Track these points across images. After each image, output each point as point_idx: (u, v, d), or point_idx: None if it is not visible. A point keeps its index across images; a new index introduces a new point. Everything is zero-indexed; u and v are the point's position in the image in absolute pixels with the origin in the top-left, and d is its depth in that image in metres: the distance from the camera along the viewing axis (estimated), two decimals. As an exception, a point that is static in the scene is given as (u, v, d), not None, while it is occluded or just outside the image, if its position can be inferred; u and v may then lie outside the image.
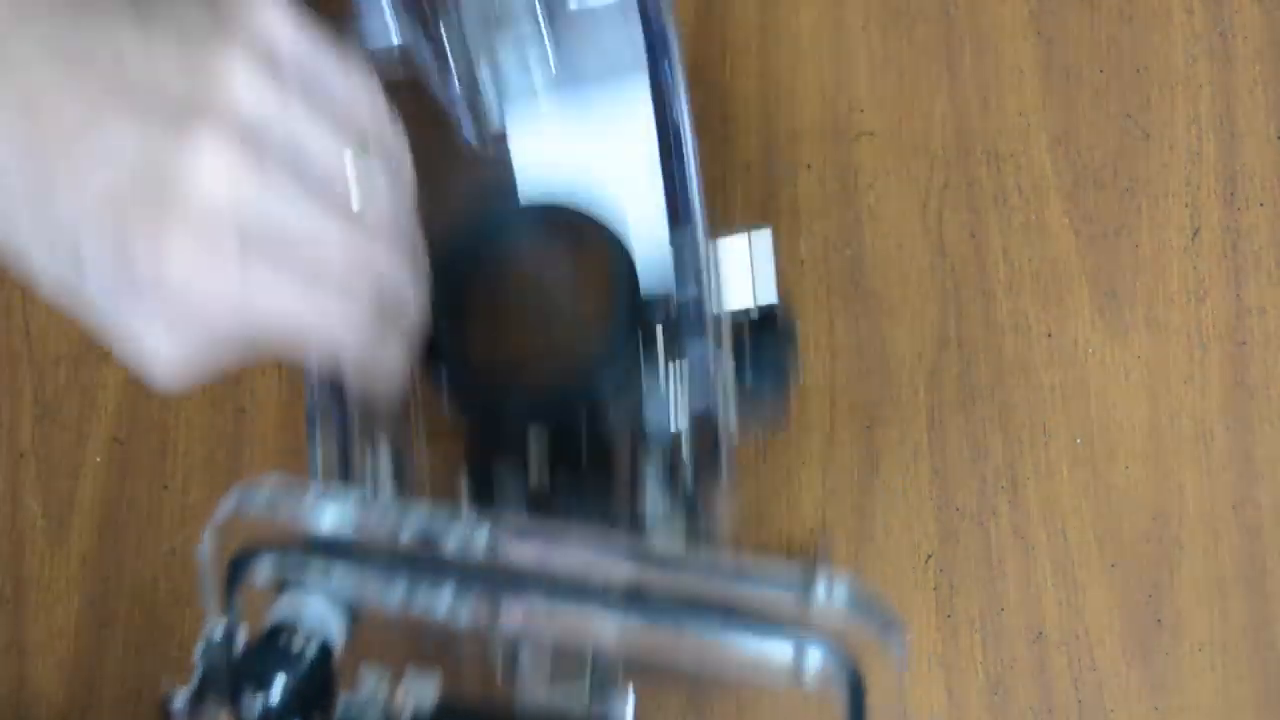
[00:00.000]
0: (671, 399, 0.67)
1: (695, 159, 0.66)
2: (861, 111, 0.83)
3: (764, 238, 0.67)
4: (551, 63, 0.70)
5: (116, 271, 0.57)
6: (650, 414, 0.67)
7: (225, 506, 0.54)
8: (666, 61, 0.66)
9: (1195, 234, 0.80)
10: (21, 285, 0.82)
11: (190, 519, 0.79)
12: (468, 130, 0.72)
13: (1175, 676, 0.74)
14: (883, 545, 0.77)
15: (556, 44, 0.70)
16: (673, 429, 0.67)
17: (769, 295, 0.68)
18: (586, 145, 0.71)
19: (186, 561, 0.78)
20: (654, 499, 0.66)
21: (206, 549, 0.55)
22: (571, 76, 0.70)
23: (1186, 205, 0.80)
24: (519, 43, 0.69)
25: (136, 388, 0.80)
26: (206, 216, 0.56)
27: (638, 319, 0.69)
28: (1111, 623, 0.75)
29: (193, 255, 0.56)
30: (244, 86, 0.57)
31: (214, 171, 0.56)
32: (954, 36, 0.83)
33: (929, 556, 0.76)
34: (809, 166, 0.82)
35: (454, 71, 0.69)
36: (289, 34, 0.59)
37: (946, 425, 0.78)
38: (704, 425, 0.65)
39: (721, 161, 0.82)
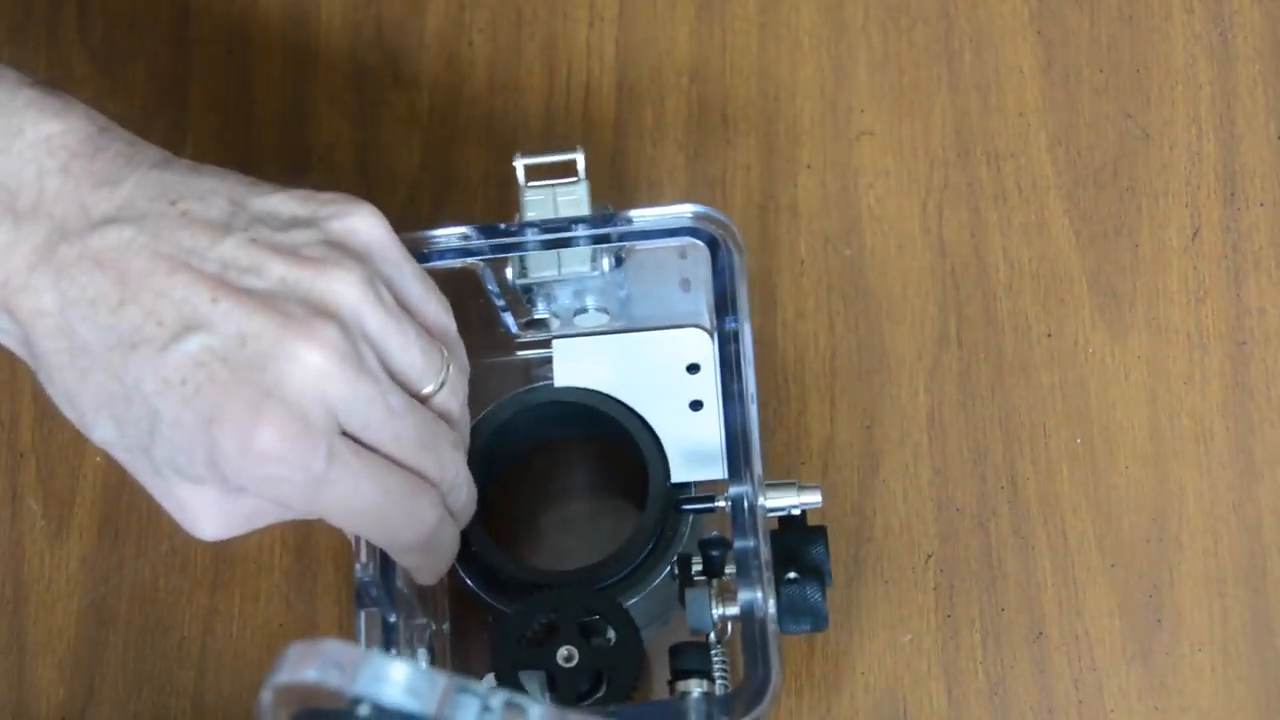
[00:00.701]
0: (708, 590, 0.70)
1: (758, 423, 0.69)
2: (861, 111, 0.83)
3: (815, 495, 0.70)
4: (605, 306, 0.75)
5: (193, 443, 0.58)
6: (691, 606, 0.69)
7: (286, 668, 0.54)
8: (734, 320, 0.71)
9: (1195, 234, 0.80)
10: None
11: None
12: (509, 323, 0.76)
13: (1175, 676, 0.74)
14: (883, 545, 0.77)
15: (615, 284, 0.74)
16: (711, 623, 0.69)
17: (813, 497, 0.70)
18: (625, 370, 0.75)
19: (186, 561, 0.78)
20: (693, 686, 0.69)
21: (267, 704, 0.55)
22: (622, 313, 0.75)
23: (1186, 205, 0.80)
24: (578, 277, 0.73)
25: (136, 388, 0.80)
26: (303, 406, 0.58)
27: (670, 507, 0.71)
28: (1111, 623, 0.75)
29: (281, 440, 0.58)
30: (351, 293, 0.59)
31: (319, 367, 0.58)
32: (954, 36, 0.83)
33: (929, 556, 0.76)
34: (809, 166, 0.82)
35: (511, 274, 0.73)
36: (381, 237, 0.62)
37: (946, 425, 0.78)
38: (747, 621, 0.67)
39: (721, 161, 0.82)
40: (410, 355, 0.62)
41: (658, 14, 0.85)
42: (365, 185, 0.83)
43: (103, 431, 0.60)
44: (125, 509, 0.79)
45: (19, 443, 0.80)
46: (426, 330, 0.63)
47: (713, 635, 0.69)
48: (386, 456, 0.61)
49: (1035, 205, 0.81)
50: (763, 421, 0.70)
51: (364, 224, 0.62)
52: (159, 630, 0.77)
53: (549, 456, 0.79)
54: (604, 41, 0.84)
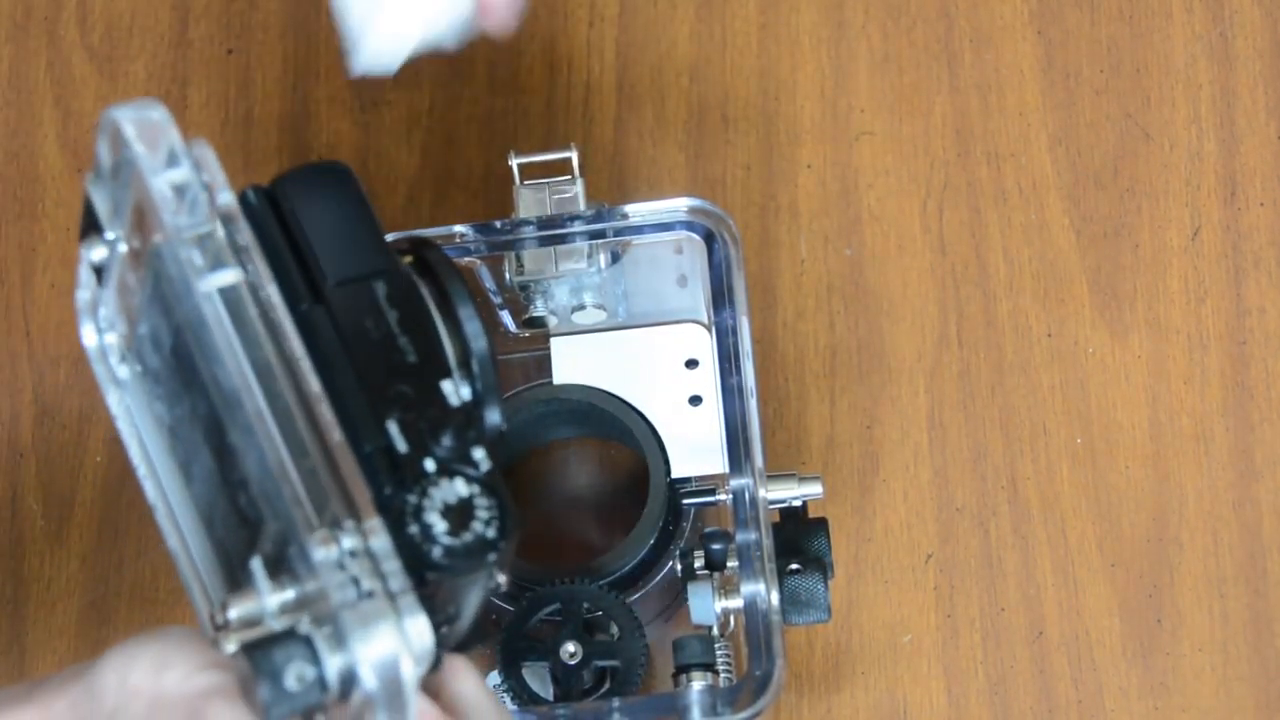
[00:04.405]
0: (711, 583, 0.70)
1: (758, 415, 0.69)
2: (861, 111, 0.83)
3: (816, 486, 0.71)
4: (603, 302, 0.75)
5: None
6: (694, 600, 0.69)
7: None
8: (731, 314, 0.71)
9: (1195, 234, 0.80)
10: (22, 285, 0.82)
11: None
12: (507, 322, 0.77)
13: (1175, 676, 0.74)
14: (883, 545, 0.77)
15: (612, 281, 0.74)
16: (714, 616, 0.69)
17: (814, 489, 0.71)
18: (623, 366, 0.76)
19: (186, 561, 0.78)
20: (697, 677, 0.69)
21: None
22: (620, 310, 0.76)
23: (1186, 205, 0.80)
24: (575, 273, 0.73)
25: (136, 388, 0.80)
26: None
27: (671, 502, 0.71)
28: (1111, 623, 0.75)
29: None
30: None
31: None
32: (954, 36, 0.83)
33: (929, 556, 0.76)
34: (809, 166, 0.82)
35: (508, 272, 0.73)
36: None
37: (946, 425, 0.78)
38: (750, 612, 0.67)
39: (721, 161, 0.82)
40: None
41: (658, 14, 0.85)
42: (365, 185, 0.83)
43: None
44: (125, 509, 0.79)
45: (19, 443, 0.80)
46: None
47: (716, 628, 0.69)
48: None
49: (1035, 205, 0.81)
50: (763, 420, 0.70)
51: None
52: (159, 630, 0.78)
53: (549, 454, 0.79)
54: (604, 41, 0.84)
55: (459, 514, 0.53)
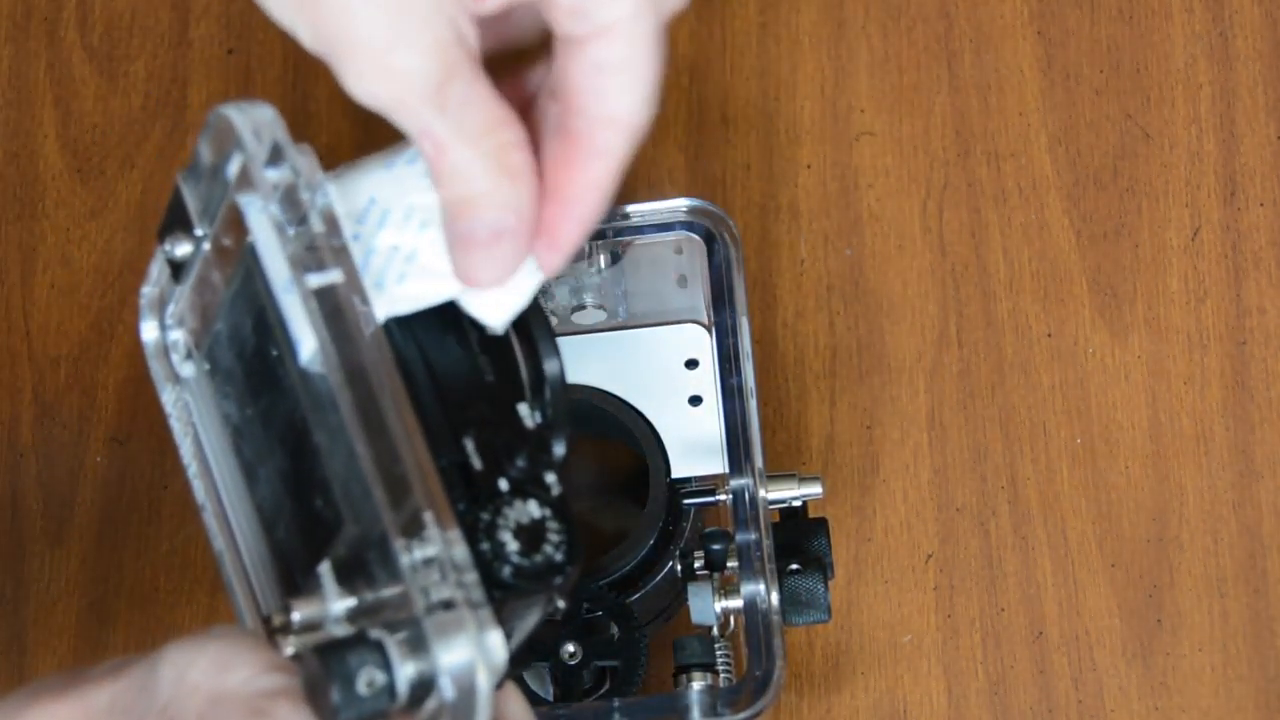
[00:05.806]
0: (710, 584, 0.70)
1: (757, 416, 0.70)
2: (861, 111, 0.83)
3: (816, 486, 0.71)
4: (603, 303, 0.75)
5: None
6: (693, 600, 0.70)
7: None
8: (732, 315, 0.71)
9: (1195, 234, 0.80)
10: (22, 285, 0.82)
11: (190, 519, 0.79)
12: None
13: (1175, 676, 0.74)
14: (883, 545, 0.77)
15: (612, 281, 0.74)
16: (714, 616, 0.69)
17: (814, 489, 0.71)
18: (623, 367, 0.75)
19: (186, 561, 0.78)
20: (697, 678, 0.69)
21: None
22: (620, 310, 0.76)
23: (1186, 205, 0.80)
24: (575, 273, 0.73)
25: (136, 388, 0.80)
26: None
27: (671, 503, 0.72)
28: (1111, 623, 0.75)
29: None
30: None
31: None
32: (954, 36, 0.83)
33: (929, 556, 0.76)
34: (809, 166, 0.82)
35: None
36: None
37: (946, 425, 0.78)
38: (750, 612, 0.67)
39: (721, 161, 0.82)
40: None
41: (658, 14, 0.85)
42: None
43: None
44: (125, 509, 0.79)
45: (19, 443, 0.80)
46: None
47: (716, 628, 0.69)
48: None
49: (1035, 205, 0.81)
50: (763, 421, 0.70)
51: None
52: (159, 630, 0.78)
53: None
54: (604, 41, 0.84)
55: (531, 535, 0.54)
